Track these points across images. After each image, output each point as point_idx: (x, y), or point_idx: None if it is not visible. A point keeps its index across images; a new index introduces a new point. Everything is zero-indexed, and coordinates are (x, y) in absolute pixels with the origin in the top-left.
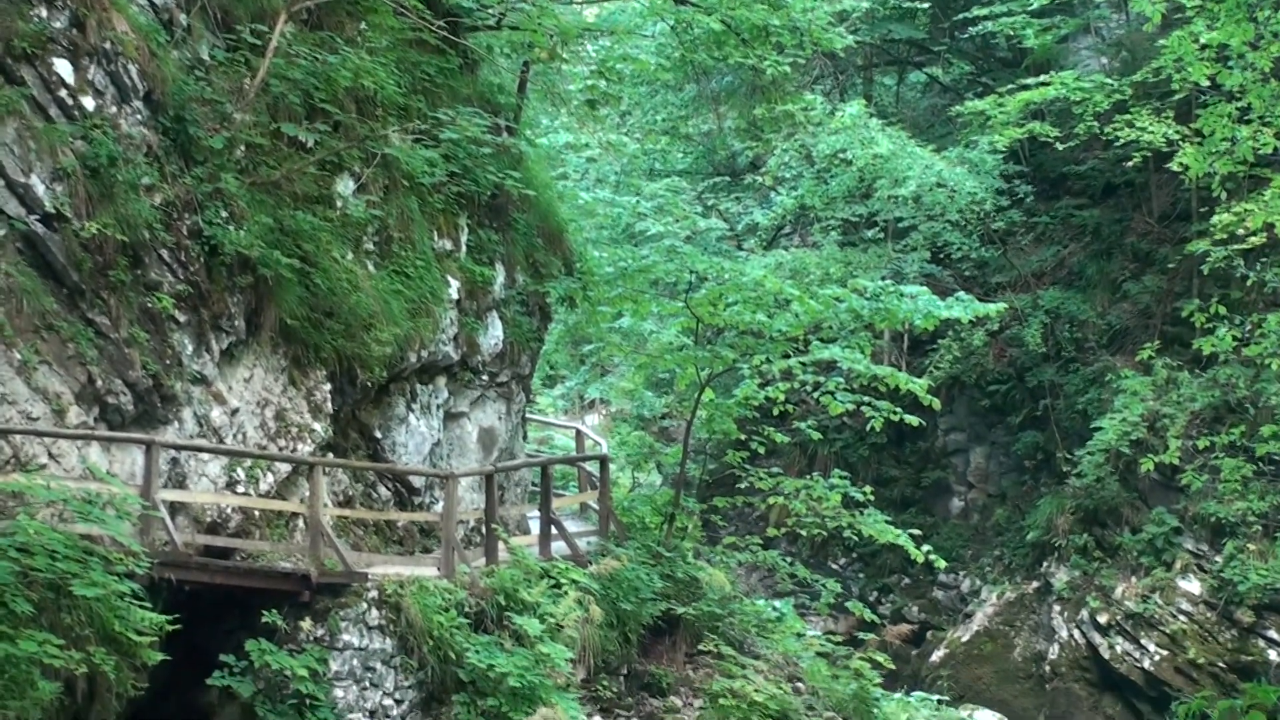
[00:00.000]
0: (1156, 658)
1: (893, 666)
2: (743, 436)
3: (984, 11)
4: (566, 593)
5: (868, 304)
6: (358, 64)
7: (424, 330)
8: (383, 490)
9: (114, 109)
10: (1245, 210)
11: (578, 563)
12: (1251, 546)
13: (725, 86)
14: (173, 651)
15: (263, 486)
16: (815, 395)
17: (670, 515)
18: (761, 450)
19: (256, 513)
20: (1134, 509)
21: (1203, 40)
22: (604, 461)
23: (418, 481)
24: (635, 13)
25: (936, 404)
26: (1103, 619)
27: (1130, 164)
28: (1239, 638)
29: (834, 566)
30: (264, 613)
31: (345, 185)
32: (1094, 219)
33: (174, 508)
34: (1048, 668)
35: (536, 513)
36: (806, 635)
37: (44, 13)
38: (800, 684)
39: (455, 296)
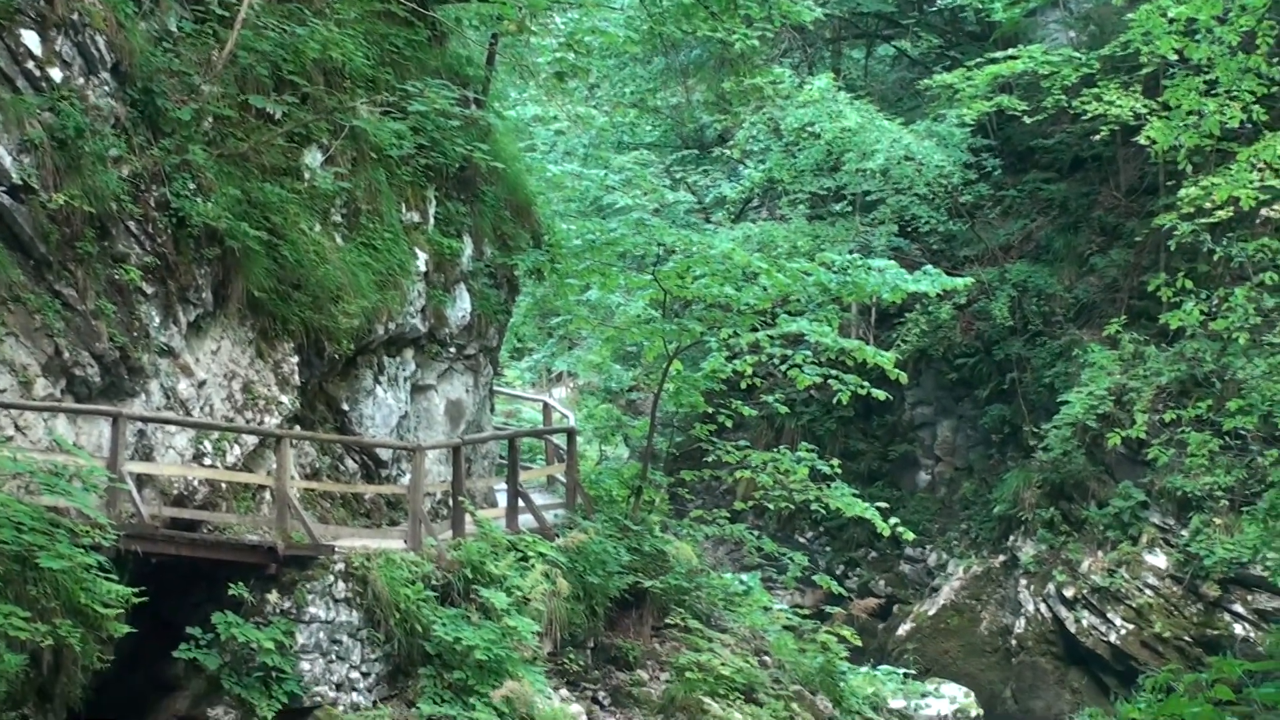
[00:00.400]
0: (1123, 632)
1: (859, 640)
2: (710, 410)
3: None
4: (533, 566)
5: (835, 277)
6: (326, 36)
7: (391, 303)
8: (350, 463)
9: (81, 80)
10: (1212, 184)
11: (545, 536)
12: (1218, 521)
13: (693, 59)
14: (139, 624)
15: (230, 459)
16: (783, 368)
17: (637, 488)
18: (729, 423)
19: (223, 485)
20: (1100, 483)
21: (1170, 14)
22: (571, 434)
23: (385, 454)
24: None
25: (904, 377)
26: (1069, 593)
27: (1098, 138)
28: (1205, 612)
29: (801, 540)
30: (230, 585)
31: (313, 157)
32: (1061, 193)
33: (141, 480)
34: (1014, 641)
35: (504, 485)
36: (773, 609)
37: None
38: (767, 657)
39: (423, 269)
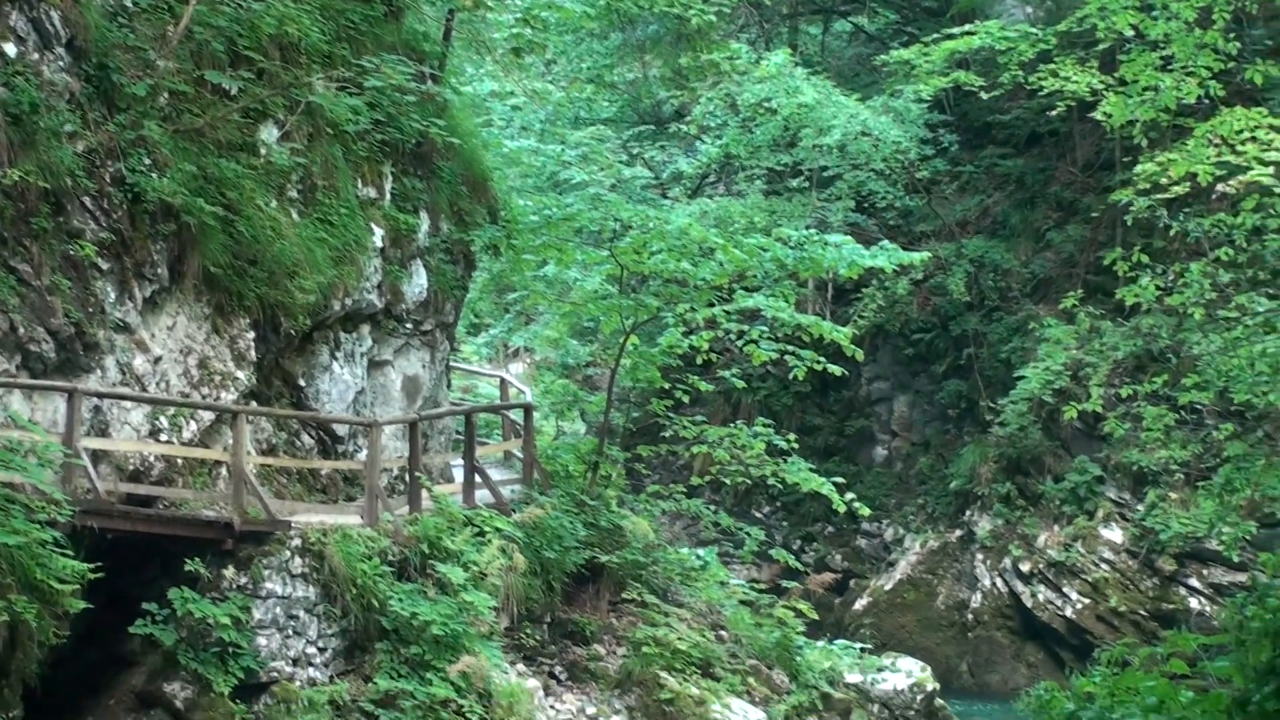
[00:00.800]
0: (1079, 606)
1: (816, 615)
2: (667, 385)
3: None
4: (490, 541)
5: (792, 253)
6: (282, 11)
7: (348, 278)
8: (306, 438)
9: (36, 56)
10: (1168, 159)
11: (501, 511)
12: (1173, 495)
13: (650, 35)
14: (95, 599)
15: (186, 435)
16: (739, 344)
17: (594, 464)
18: (686, 399)
19: (179, 461)
20: (1057, 458)
21: None
22: (528, 410)
23: (341, 430)
24: None
25: (860, 353)
26: (1025, 567)
27: (1054, 113)
28: (1160, 586)
29: (758, 515)
30: (187, 561)
31: (269, 133)
32: (1018, 168)
33: (96, 456)
34: (970, 616)
35: (460, 461)
36: (730, 583)
37: None
38: (723, 632)
39: (379, 244)
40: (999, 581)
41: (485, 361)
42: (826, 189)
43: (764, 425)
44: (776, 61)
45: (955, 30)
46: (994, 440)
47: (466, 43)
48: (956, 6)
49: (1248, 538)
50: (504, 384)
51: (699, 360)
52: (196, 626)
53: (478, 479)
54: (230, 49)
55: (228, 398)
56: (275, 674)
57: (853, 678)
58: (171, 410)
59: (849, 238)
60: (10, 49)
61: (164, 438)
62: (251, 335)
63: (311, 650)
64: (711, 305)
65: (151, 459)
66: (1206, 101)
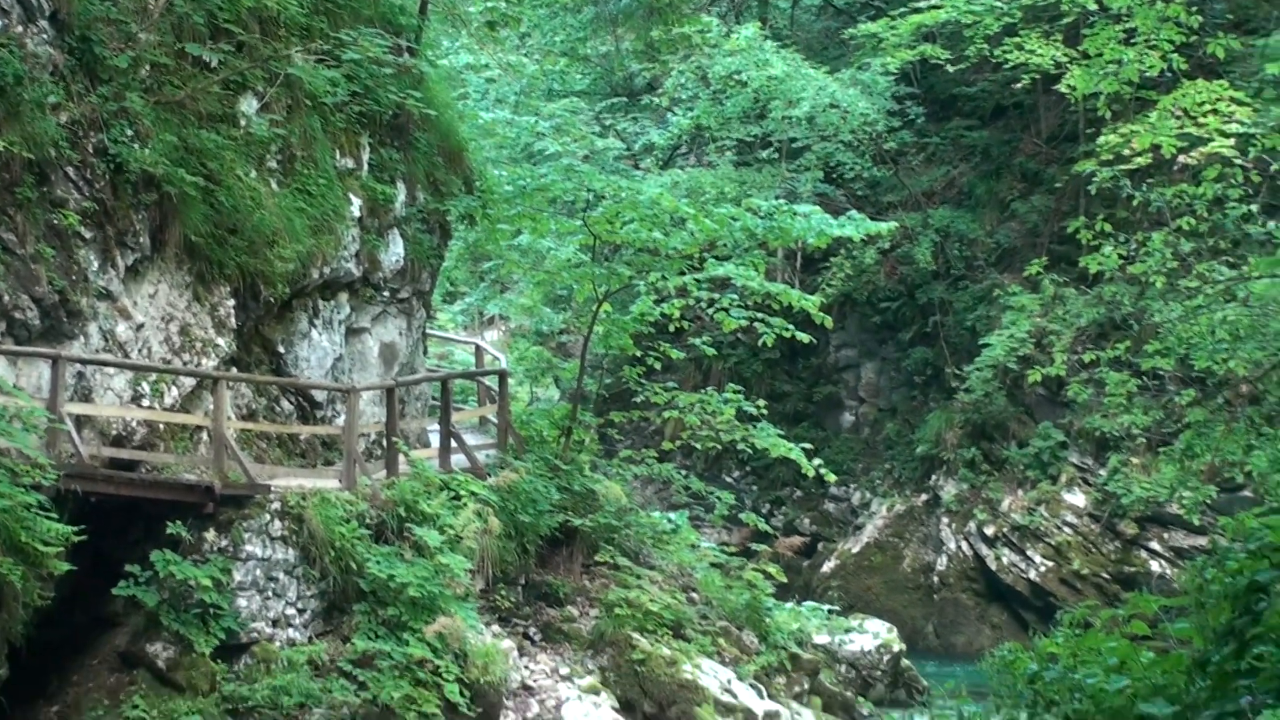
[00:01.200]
0: (1042, 569)
1: (784, 578)
2: (639, 352)
3: None
4: (465, 505)
5: (761, 222)
6: None
7: (326, 247)
8: (285, 404)
9: (20, 28)
10: (1131, 131)
11: (477, 475)
12: (1135, 460)
13: (623, 8)
14: (79, 562)
15: (167, 400)
16: (710, 312)
17: (567, 429)
18: (657, 365)
19: (161, 426)
20: (1021, 424)
21: None
22: (503, 376)
23: (320, 396)
24: None
25: (828, 321)
26: (990, 531)
27: (1019, 86)
28: (1122, 549)
29: (728, 479)
30: (169, 524)
31: (249, 104)
32: (983, 140)
33: (80, 421)
34: (936, 578)
35: (436, 426)
36: (700, 546)
37: None
38: (694, 594)
39: (357, 214)
40: (964, 545)
41: (461, 329)
42: (795, 160)
43: (734, 391)
44: (746, 35)
45: (922, 4)
46: (959, 406)
47: (442, 16)
48: None
49: (1208, 502)
50: (479, 351)
51: (670, 328)
52: (178, 588)
53: (454, 444)
54: (210, 22)
55: (208, 364)
56: (255, 634)
57: (821, 639)
58: (153, 376)
59: (817, 208)
60: None
61: (146, 403)
62: (232, 303)
63: (291, 611)
64: (683, 274)
65: (134, 424)
66: (1169, 74)
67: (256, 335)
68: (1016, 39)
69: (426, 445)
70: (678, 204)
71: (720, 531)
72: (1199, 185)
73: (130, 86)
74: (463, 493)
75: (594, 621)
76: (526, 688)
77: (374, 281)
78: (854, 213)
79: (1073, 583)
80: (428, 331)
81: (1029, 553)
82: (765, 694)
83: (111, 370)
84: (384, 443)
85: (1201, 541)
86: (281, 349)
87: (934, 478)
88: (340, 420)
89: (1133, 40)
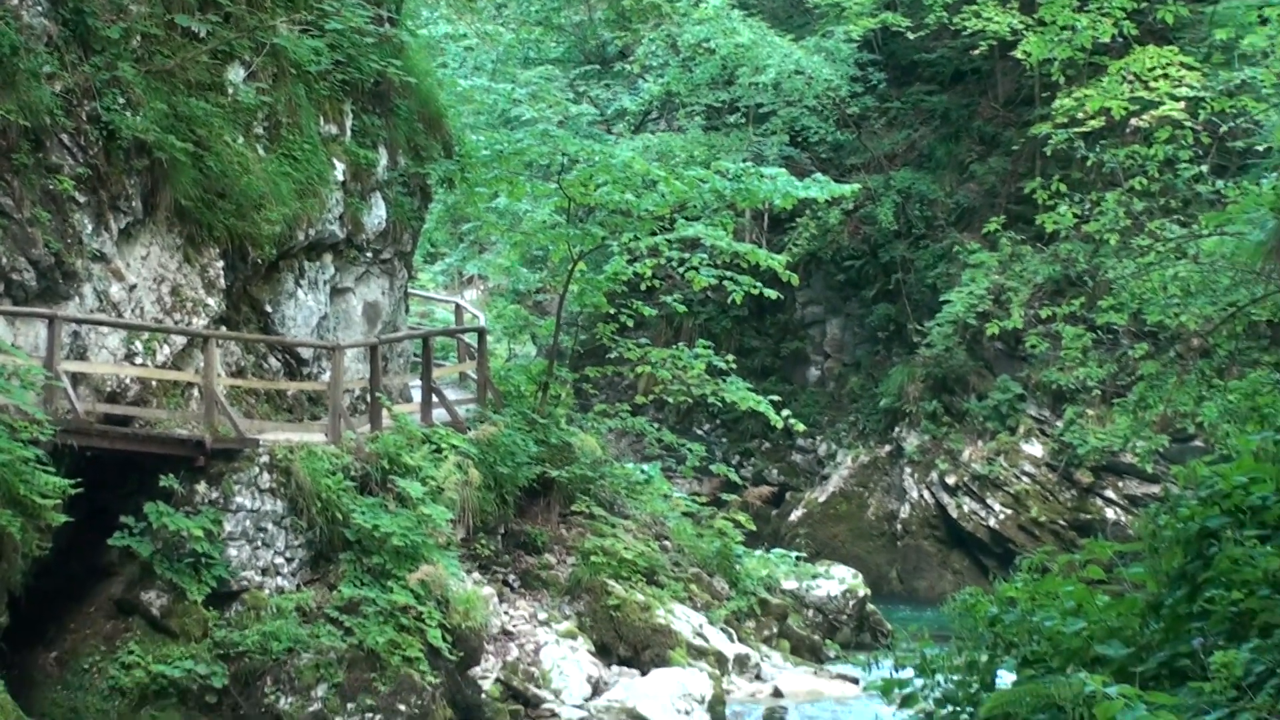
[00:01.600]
0: (1001, 516)
1: (754, 526)
2: (612, 310)
3: None
4: (446, 457)
5: (730, 184)
6: None
7: (311, 210)
8: (273, 361)
9: (15, 2)
10: (1084, 95)
11: (457, 429)
12: (1090, 412)
13: None
14: (75, 514)
15: (160, 358)
16: (681, 271)
17: (544, 384)
18: (630, 323)
19: (154, 383)
20: (980, 377)
21: None
22: (482, 334)
23: (306, 353)
24: None
25: (795, 279)
26: (951, 480)
27: (977, 52)
28: (1078, 497)
29: (699, 432)
30: (161, 477)
31: (236, 73)
32: (943, 104)
33: (76, 378)
34: (899, 526)
35: (418, 382)
36: (673, 497)
37: None
38: (667, 542)
39: (341, 178)
40: (926, 493)
41: (441, 288)
42: (762, 124)
43: (704, 347)
44: (714, 4)
45: None
46: (921, 361)
47: None
48: None
49: (1160, 451)
50: (459, 309)
51: (643, 286)
52: (171, 539)
53: (435, 399)
54: None
55: (199, 323)
56: (245, 583)
57: (789, 584)
58: (146, 335)
59: (784, 170)
60: None
61: (139, 361)
62: (221, 264)
63: (279, 560)
64: (654, 234)
65: (128, 381)
66: (1120, 40)
67: (245, 295)
68: (974, 6)
69: (409, 400)
70: (649, 167)
71: (691, 482)
72: (1150, 147)
73: (122, 56)
74: (444, 446)
75: (571, 569)
76: (506, 632)
77: (357, 243)
78: (819, 175)
79: (1031, 530)
80: (409, 291)
81: (989, 501)
82: (735, 638)
83: (106, 329)
84: (368, 398)
85: (1154, 489)
86: (269, 308)
87: (897, 429)
88: (326, 376)
89: (1085, 7)
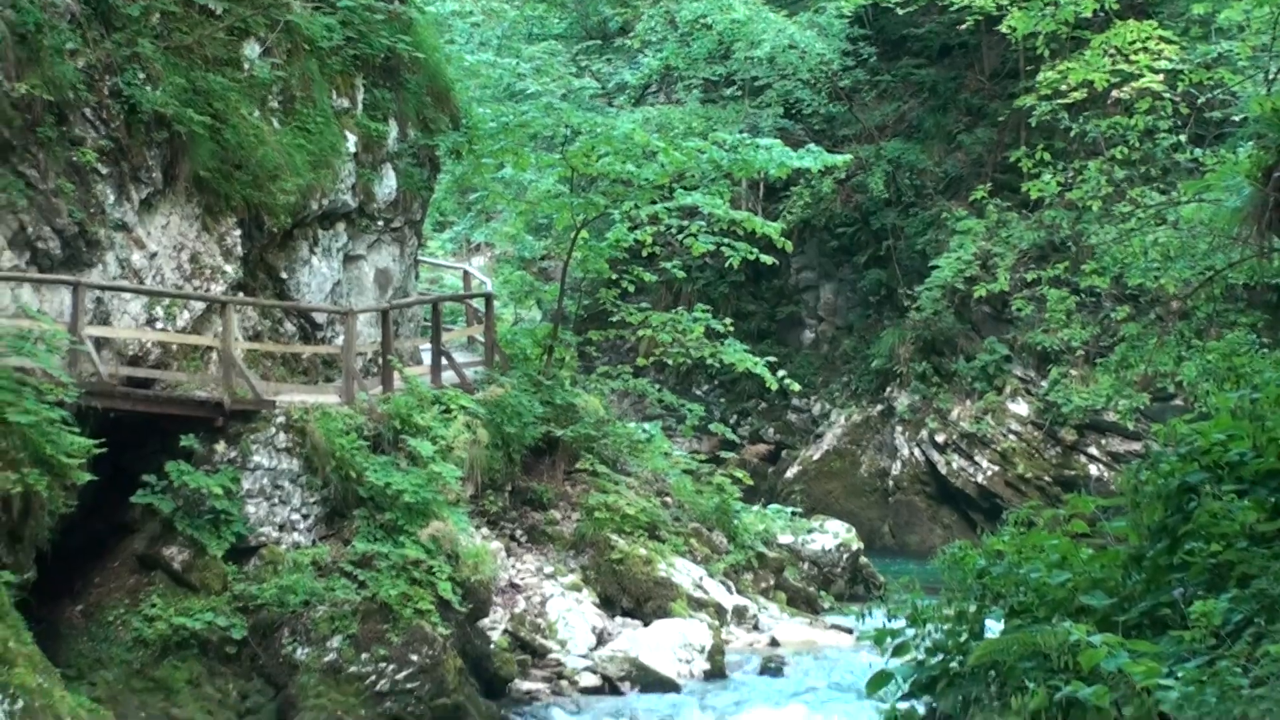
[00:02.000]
0: (989, 473)
1: (751, 482)
2: (614, 275)
3: None
4: (456, 417)
5: (727, 155)
6: None
7: (325, 181)
8: (289, 326)
9: None
10: (1067, 68)
11: (466, 390)
12: (1074, 372)
13: None
14: (100, 473)
15: (179, 323)
16: (680, 237)
17: (549, 347)
18: (631, 288)
19: (174, 347)
20: (968, 339)
21: None
22: (489, 299)
23: (320, 318)
24: None
25: (789, 245)
26: (940, 438)
27: (964, 27)
28: (1062, 454)
29: (698, 392)
30: (182, 437)
31: (252, 49)
32: (931, 77)
33: (99, 342)
34: (891, 482)
35: (428, 345)
36: (673, 455)
37: None
38: (668, 498)
39: (353, 150)
40: (916, 451)
41: (450, 255)
42: (757, 97)
43: (703, 311)
44: None
45: None
46: (911, 324)
47: None
48: None
49: (1141, 409)
50: (467, 275)
51: (643, 253)
52: (191, 496)
53: (444, 361)
54: None
55: (217, 289)
56: (263, 538)
57: (785, 539)
58: (166, 301)
59: (778, 141)
60: None
61: (160, 326)
62: (238, 233)
63: (295, 517)
64: (654, 203)
65: (149, 345)
66: (1102, 15)
67: (261, 262)
68: None
69: (419, 363)
70: (649, 138)
71: (691, 441)
72: (1131, 117)
73: (142, 33)
74: (453, 406)
75: (575, 524)
76: (514, 585)
77: (369, 212)
78: (812, 146)
79: (1017, 485)
80: (419, 258)
81: (976, 458)
82: (734, 590)
83: (128, 295)
84: (380, 361)
85: (1136, 446)
86: (284, 275)
87: (888, 390)
88: (339, 340)
89: None
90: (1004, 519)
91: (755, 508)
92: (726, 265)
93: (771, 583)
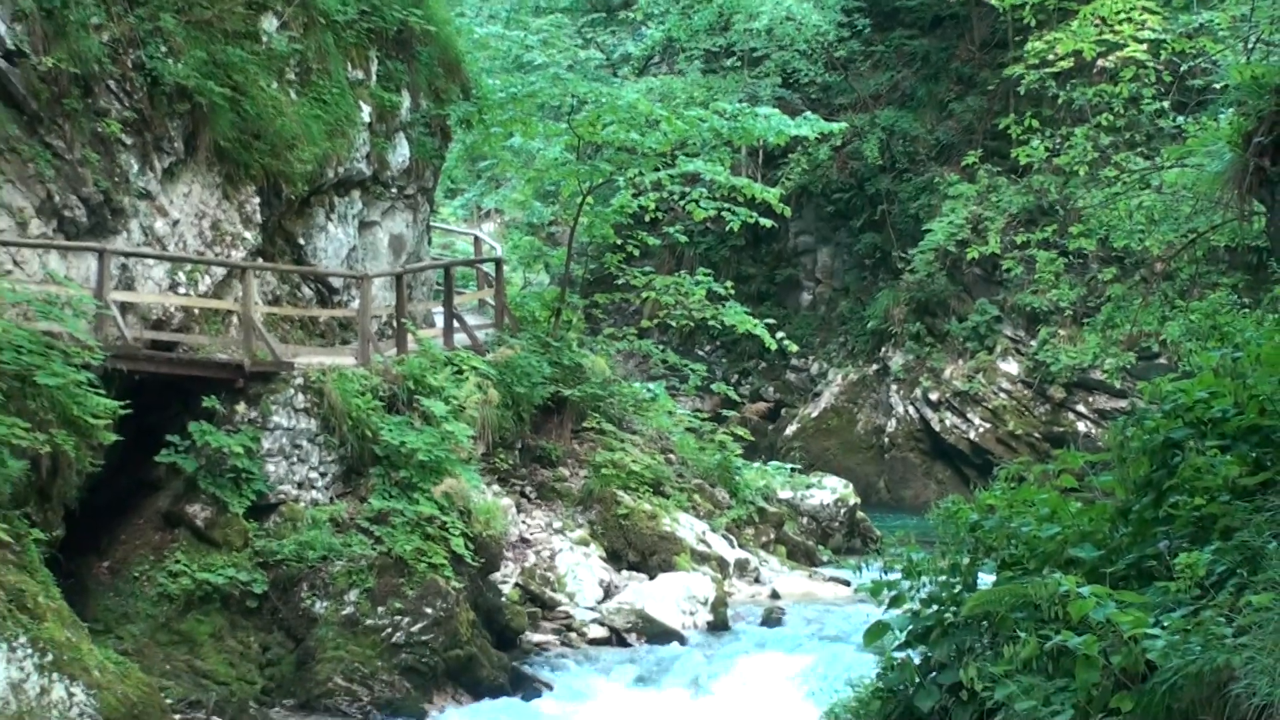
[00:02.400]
0: (981, 430)
1: (752, 439)
2: (619, 240)
3: None
4: (467, 378)
5: (727, 123)
6: None
7: (340, 150)
8: (306, 290)
9: None
10: (1054, 38)
11: (477, 352)
12: (1062, 332)
13: None
14: (125, 433)
15: (201, 288)
16: (682, 203)
17: (557, 310)
18: (636, 252)
19: (196, 311)
20: (960, 300)
21: None
22: (499, 263)
23: (337, 282)
24: None
25: (787, 210)
26: (934, 396)
27: None
28: (1051, 411)
29: (700, 353)
30: (204, 398)
31: (270, 23)
32: (923, 48)
33: (124, 307)
34: (886, 439)
35: (440, 308)
36: (676, 413)
37: None
38: (672, 455)
39: (367, 120)
40: (911, 409)
41: (461, 221)
42: (756, 67)
43: (704, 274)
44: None
45: None
46: (905, 285)
47: None
48: None
49: (1127, 368)
50: (478, 241)
51: (647, 218)
52: (213, 455)
53: (456, 324)
54: None
55: (237, 255)
56: (283, 496)
57: (785, 494)
58: (189, 266)
59: (776, 110)
60: None
61: (182, 291)
62: (257, 200)
63: (314, 475)
64: (657, 170)
65: (172, 309)
66: None
67: (279, 229)
68: None
69: (432, 326)
70: (652, 108)
71: (694, 399)
72: (1116, 85)
73: (164, 7)
74: (465, 368)
75: (583, 481)
76: (524, 540)
77: (383, 180)
78: (809, 114)
79: (1008, 442)
80: (431, 224)
81: (969, 415)
82: (736, 544)
83: (151, 261)
84: (394, 324)
85: (1122, 404)
86: (302, 241)
87: (883, 349)
88: (355, 304)
89: None
90: (995, 474)
91: (756, 464)
92: (727, 230)
93: (772, 537)
